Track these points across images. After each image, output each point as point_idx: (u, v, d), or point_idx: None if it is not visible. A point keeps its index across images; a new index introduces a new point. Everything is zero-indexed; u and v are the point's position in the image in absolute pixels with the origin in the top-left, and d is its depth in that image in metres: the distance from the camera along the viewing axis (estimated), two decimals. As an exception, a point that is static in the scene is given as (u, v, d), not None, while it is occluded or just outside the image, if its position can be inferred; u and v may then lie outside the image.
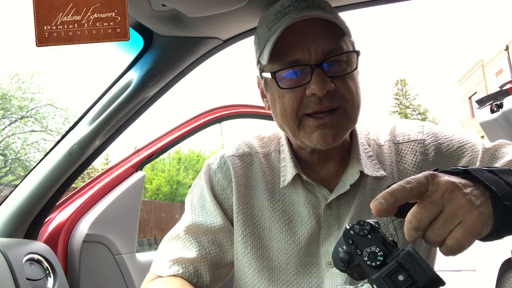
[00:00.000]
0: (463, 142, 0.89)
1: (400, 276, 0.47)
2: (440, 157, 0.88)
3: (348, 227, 0.55)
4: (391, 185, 0.62)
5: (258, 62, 0.88)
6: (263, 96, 0.93)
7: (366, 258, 0.52)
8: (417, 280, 0.46)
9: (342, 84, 0.80)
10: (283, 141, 0.94)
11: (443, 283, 0.48)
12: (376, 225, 0.56)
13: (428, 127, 0.93)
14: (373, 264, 0.50)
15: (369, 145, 0.92)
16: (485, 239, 0.56)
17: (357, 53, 0.82)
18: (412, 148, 0.90)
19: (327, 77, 0.78)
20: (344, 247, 0.54)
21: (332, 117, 0.80)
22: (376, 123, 0.99)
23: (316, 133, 0.80)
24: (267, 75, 0.83)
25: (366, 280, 0.54)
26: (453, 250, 0.51)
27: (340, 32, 0.81)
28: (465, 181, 0.55)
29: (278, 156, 0.94)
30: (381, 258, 0.51)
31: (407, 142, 0.91)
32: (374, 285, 0.48)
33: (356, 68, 0.82)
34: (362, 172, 0.86)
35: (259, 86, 0.93)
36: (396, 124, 0.96)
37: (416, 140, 0.91)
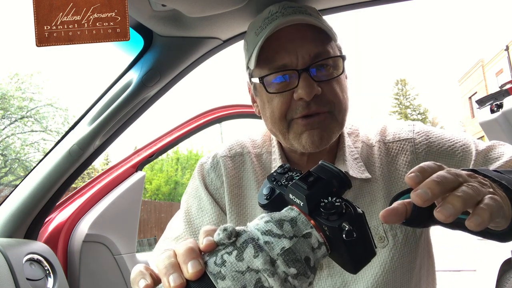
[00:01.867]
0: (454, 141, 0.88)
1: (311, 178, 0.49)
2: (431, 155, 0.87)
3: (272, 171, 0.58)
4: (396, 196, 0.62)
5: (247, 67, 0.89)
6: (253, 101, 0.94)
7: (284, 181, 0.54)
8: (324, 177, 0.49)
9: (329, 88, 0.80)
10: (274, 143, 0.95)
11: (349, 182, 0.49)
12: (296, 168, 0.57)
13: (418, 126, 0.93)
14: (290, 182, 0.52)
15: (357, 147, 0.92)
16: (502, 238, 0.54)
17: (343, 57, 0.83)
18: (402, 147, 0.90)
19: (314, 81, 0.78)
20: (268, 185, 0.57)
21: (319, 118, 0.80)
22: (367, 124, 0.98)
23: (304, 134, 0.81)
24: (256, 80, 0.84)
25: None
26: (490, 210, 0.45)
27: (326, 37, 0.81)
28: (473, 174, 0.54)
29: (269, 157, 0.95)
30: (297, 178, 0.53)
31: (397, 141, 0.91)
32: (290, 194, 0.50)
33: (342, 72, 0.82)
34: (347, 174, 0.86)
35: (249, 92, 0.94)
36: (387, 124, 0.96)
37: (407, 139, 0.90)
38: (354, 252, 0.45)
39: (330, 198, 0.46)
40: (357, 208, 0.46)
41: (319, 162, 0.52)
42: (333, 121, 0.82)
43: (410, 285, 0.85)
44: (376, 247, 0.47)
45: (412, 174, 0.49)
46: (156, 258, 0.44)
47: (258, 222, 0.45)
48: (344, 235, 0.43)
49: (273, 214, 0.46)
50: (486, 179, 0.53)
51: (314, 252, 0.44)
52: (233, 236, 0.43)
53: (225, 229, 0.43)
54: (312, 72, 0.79)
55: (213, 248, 0.43)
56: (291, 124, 0.82)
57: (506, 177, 0.56)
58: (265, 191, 0.56)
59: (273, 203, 0.55)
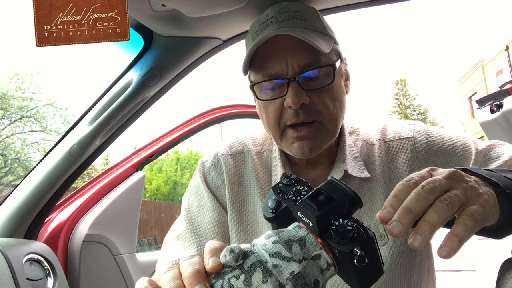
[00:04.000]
0: (454, 140, 0.89)
1: (321, 197, 0.47)
2: (431, 154, 0.88)
3: (277, 181, 0.57)
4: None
5: None
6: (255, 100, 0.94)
7: (291, 195, 0.52)
8: (335, 197, 0.47)
9: (318, 97, 0.81)
10: (274, 141, 0.95)
11: (360, 203, 0.47)
12: (303, 179, 0.56)
13: (419, 125, 0.94)
14: (298, 198, 0.51)
15: (357, 146, 0.92)
16: (494, 234, 0.55)
17: (334, 67, 0.82)
18: (402, 146, 0.90)
19: (303, 90, 0.79)
20: (273, 197, 0.55)
21: (309, 130, 0.81)
22: (368, 123, 0.99)
23: (295, 144, 0.83)
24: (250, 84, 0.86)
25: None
26: (460, 237, 0.46)
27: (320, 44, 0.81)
28: (466, 173, 0.55)
29: (270, 155, 0.96)
30: (305, 193, 0.51)
31: (397, 140, 0.91)
32: (298, 212, 0.48)
33: (333, 81, 0.82)
34: (347, 173, 0.86)
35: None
36: (387, 123, 0.97)
37: (407, 137, 0.91)
38: (364, 275, 0.44)
39: (341, 220, 0.44)
40: (368, 231, 0.45)
41: (328, 178, 0.50)
42: (322, 131, 0.83)
43: (410, 284, 0.85)
44: (384, 265, 0.46)
45: (384, 210, 0.49)
46: (161, 278, 0.44)
47: (265, 242, 0.44)
48: (355, 261, 0.42)
49: (281, 234, 0.45)
50: (471, 176, 0.54)
51: (323, 274, 0.43)
52: (240, 259, 0.41)
53: (232, 251, 0.42)
54: (301, 81, 0.80)
55: (219, 270, 0.42)
56: (284, 132, 0.84)
57: (497, 174, 0.56)
58: (270, 204, 0.54)
59: (279, 216, 0.53)
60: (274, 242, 0.43)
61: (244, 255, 0.42)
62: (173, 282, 0.41)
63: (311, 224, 0.45)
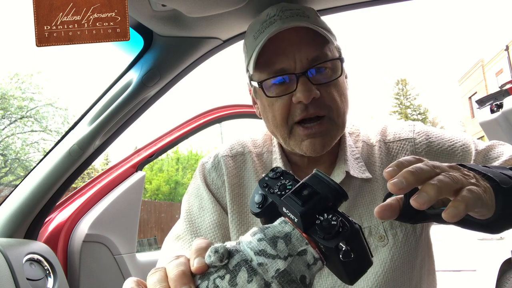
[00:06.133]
0: (453, 141, 0.89)
1: (305, 191, 0.47)
2: (431, 155, 0.88)
3: (263, 175, 0.57)
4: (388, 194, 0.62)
5: (247, 70, 0.89)
6: (254, 102, 0.95)
7: (276, 190, 0.52)
8: (320, 191, 0.47)
9: (327, 91, 0.81)
10: (275, 143, 0.95)
11: (345, 196, 0.47)
12: (290, 171, 0.55)
13: (419, 126, 0.94)
14: (283, 193, 0.51)
15: (358, 147, 0.92)
16: (490, 229, 0.55)
17: (341, 60, 0.83)
18: (402, 147, 0.90)
19: (313, 84, 0.79)
20: (260, 191, 0.55)
21: (320, 127, 0.81)
22: (368, 124, 0.99)
23: (305, 141, 0.82)
24: (255, 84, 0.85)
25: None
26: (466, 202, 0.47)
27: (324, 40, 0.82)
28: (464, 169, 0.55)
29: (270, 157, 0.95)
30: (290, 187, 0.51)
31: (397, 140, 0.92)
32: (283, 207, 0.48)
33: (341, 75, 0.83)
34: (348, 174, 0.86)
35: (250, 93, 0.95)
36: (387, 124, 0.97)
37: (407, 138, 0.91)
38: (351, 268, 0.44)
39: (326, 215, 0.44)
40: (354, 224, 0.44)
41: (313, 171, 0.50)
42: (332, 126, 0.82)
43: (411, 284, 0.85)
44: (372, 256, 0.46)
45: (390, 168, 0.50)
46: (147, 280, 0.43)
47: (251, 240, 0.44)
48: (341, 256, 0.42)
49: (266, 230, 0.44)
50: (470, 171, 0.54)
51: (309, 269, 0.43)
52: (225, 258, 0.41)
53: (216, 251, 0.41)
54: (310, 76, 0.79)
55: (205, 271, 0.41)
56: (292, 130, 0.83)
57: (493, 170, 0.57)
58: (257, 199, 0.54)
59: (266, 210, 0.53)
60: (259, 240, 0.43)
61: (229, 254, 0.42)
62: (159, 284, 0.41)
63: (296, 220, 0.45)
